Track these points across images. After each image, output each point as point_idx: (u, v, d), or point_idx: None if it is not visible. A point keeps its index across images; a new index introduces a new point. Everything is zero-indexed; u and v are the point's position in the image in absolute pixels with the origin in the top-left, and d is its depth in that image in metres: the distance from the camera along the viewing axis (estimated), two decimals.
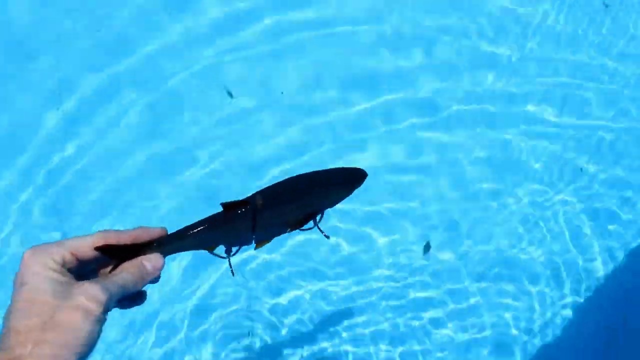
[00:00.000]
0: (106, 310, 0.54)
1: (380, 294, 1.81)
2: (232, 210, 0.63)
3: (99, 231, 0.58)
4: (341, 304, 1.80)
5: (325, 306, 1.79)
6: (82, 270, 0.58)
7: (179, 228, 0.63)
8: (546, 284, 1.86)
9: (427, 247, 1.84)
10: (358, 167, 0.75)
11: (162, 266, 0.60)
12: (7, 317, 0.52)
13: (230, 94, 1.88)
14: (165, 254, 0.61)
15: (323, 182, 0.71)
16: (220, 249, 0.68)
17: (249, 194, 0.65)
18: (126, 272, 0.58)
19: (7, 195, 1.80)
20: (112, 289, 0.55)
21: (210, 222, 0.63)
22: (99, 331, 0.53)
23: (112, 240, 0.58)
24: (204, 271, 1.79)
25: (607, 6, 2.08)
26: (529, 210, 1.91)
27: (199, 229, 0.62)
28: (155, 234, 0.61)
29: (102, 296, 0.53)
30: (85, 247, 0.57)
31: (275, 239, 0.70)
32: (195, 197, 1.83)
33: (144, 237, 0.60)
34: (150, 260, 0.59)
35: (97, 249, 0.57)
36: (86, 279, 0.55)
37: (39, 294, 0.52)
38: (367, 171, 0.75)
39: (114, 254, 0.59)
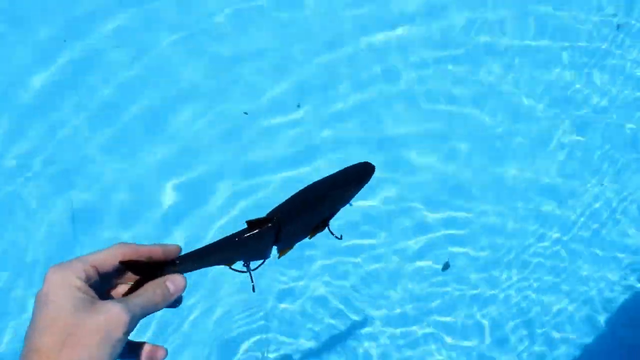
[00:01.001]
0: (128, 332, 0.54)
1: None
2: (256, 227, 0.63)
3: (117, 244, 0.59)
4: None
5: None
6: (103, 284, 0.58)
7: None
8: None
9: (446, 266, 1.84)
10: (365, 161, 0.76)
11: (184, 287, 0.60)
12: (28, 336, 0.53)
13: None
14: (187, 270, 0.61)
15: (335, 185, 0.72)
16: (239, 263, 0.68)
17: (270, 211, 0.66)
18: (149, 292, 0.58)
19: None
20: (134, 310, 0.55)
21: (232, 241, 0.63)
22: (119, 352, 0.53)
23: (131, 252, 0.58)
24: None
25: None
26: None
27: (221, 247, 0.63)
28: (171, 251, 0.61)
29: (124, 317, 0.53)
30: (106, 261, 0.57)
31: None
32: None
33: (159, 252, 0.60)
34: (173, 282, 0.59)
35: (122, 263, 0.57)
36: (106, 294, 0.56)
37: (62, 313, 0.52)
38: None
39: (137, 270, 0.59)
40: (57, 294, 0.53)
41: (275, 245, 0.67)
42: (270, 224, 0.63)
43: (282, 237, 0.66)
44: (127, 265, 0.58)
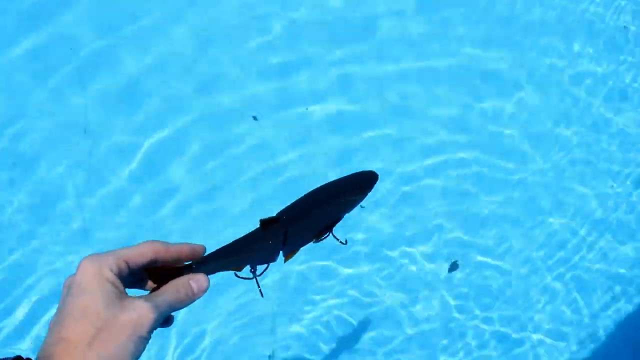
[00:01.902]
0: (152, 329, 0.54)
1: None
2: (268, 226, 0.64)
3: (147, 241, 0.59)
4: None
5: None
6: (131, 278, 0.59)
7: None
8: None
9: (454, 266, 1.83)
10: (370, 170, 0.77)
11: (207, 288, 0.61)
12: (57, 322, 0.52)
13: None
14: (207, 273, 0.62)
15: (340, 191, 0.73)
16: (246, 271, 0.69)
17: (278, 212, 0.67)
18: (173, 291, 0.58)
19: None
20: (161, 307, 0.55)
21: (246, 240, 0.64)
22: (143, 349, 0.53)
23: (161, 250, 0.59)
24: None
25: None
26: None
27: (235, 246, 0.64)
28: (198, 251, 0.62)
29: (151, 315, 0.54)
30: (137, 257, 0.57)
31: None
32: None
33: (187, 251, 0.61)
34: (197, 281, 0.60)
35: (145, 270, 0.58)
36: (133, 288, 0.57)
37: (95, 304, 0.52)
38: None
39: (158, 278, 0.60)
40: (92, 284, 0.53)
41: (282, 247, 0.68)
42: (277, 224, 0.64)
43: (289, 238, 0.67)
44: (149, 274, 0.59)
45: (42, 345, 0.52)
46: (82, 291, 0.53)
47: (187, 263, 0.62)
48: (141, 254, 0.57)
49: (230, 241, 0.64)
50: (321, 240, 0.72)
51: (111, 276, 0.54)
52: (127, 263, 0.56)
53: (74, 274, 0.55)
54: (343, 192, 0.73)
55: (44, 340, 0.52)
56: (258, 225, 0.64)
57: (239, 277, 0.69)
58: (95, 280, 0.53)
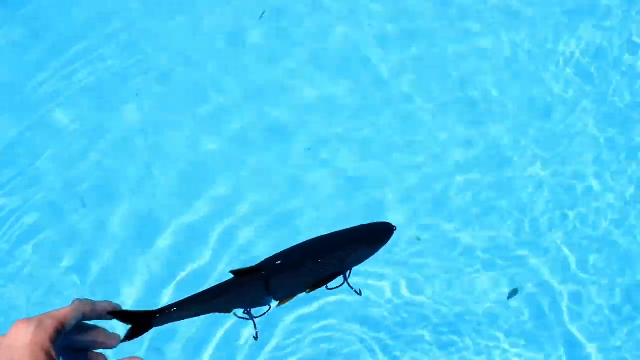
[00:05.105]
0: None
1: None
2: (243, 276, 0.64)
3: (75, 300, 0.58)
4: None
5: None
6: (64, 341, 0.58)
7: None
8: None
9: (514, 292, 1.73)
10: (386, 222, 0.73)
11: (114, 346, 0.61)
12: None
13: None
14: (175, 320, 0.63)
15: (344, 243, 0.70)
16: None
17: (263, 260, 0.66)
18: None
19: None
20: None
21: (217, 290, 0.64)
22: None
23: (89, 308, 0.58)
24: None
25: None
26: None
27: (207, 296, 0.64)
28: (113, 307, 0.61)
29: None
30: (71, 317, 0.56)
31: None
32: None
33: (107, 308, 0.60)
34: (107, 338, 0.60)
35: (110, 313, 0.59)
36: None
37: None
38: None
39: (125, 318, 0.62)
40: (22, 353, 0.51)
41: (268, 296, 0.67)
42: (252, 275, 0.64)
43: (274, 285, 0.66)
44: (115, 315, 0.60)
45: None
46: None
47: (151, 310, 0.63)
48: (73, 313, 0.56)
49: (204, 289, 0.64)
50: (316, 290, 0.69)
51: (47, 345, 0.52)
52: (63, 326, 0.55)
53: (3, 337, 0.53)
54: (350, 244, 0.70)
55: None
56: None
57: (237, 316, 0.71)
58: (28, 350, 0.51)
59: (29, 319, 0.53)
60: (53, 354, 0.52)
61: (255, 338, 0.72)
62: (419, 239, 1.73)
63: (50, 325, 0.53)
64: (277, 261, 0.66)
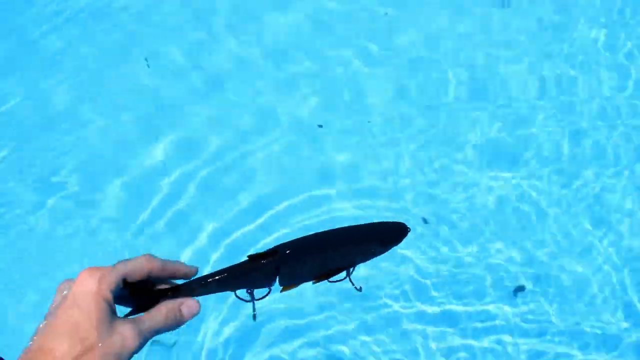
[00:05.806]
0: (135, 353, 0.55)
1: None
2: (257, 260, 0.64)
3: (145, 255, 0.59)
4: None
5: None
6: (123, 292, 0.58)
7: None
8: None
9: (520, 288, 1.74)
10: (400, 221, 0.73)
11: (198, 313, 0.61)
12: (45, 332, 0.53)
13: None
14: (194, 296, 0.62)
15: (357, 238, 0.71)
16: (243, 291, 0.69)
17: (277, 244, 0.66)
18: (162, 317, 0.58)
19: None
20: (146, 333, 0.56)
21: (233, 271, 0.64)
22: None
23: (157, 267, 0.59)
24: None
25: None
26: None
27: (222, 276, 0.63)
28: (192, 272, 0.62)
29: (135, 342, 0.55)
30: (135, 272, 0.57)
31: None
32: None
33: (182, 271, 0.61)
34: (189, 307, 0.60)
35: (126, 285, 0.58)
36: (120, 304, 0.57)
37: (86, 322, 0.53)
38: None
39: (138, 294, 0.60)
40: (88, 300, 0.53)
41: (277, 279, 0.67)
42: (266, 260, 0.64)
43: (284, 272, 0.66)
44: (130, 289, 0.58)
45: (26, 348, 0.52)
46: (77, 306, 0.53)
47: (172, 285, 0.62)
48: (138, 269, 0.57)
49: (220, 268, 0.64)
50: (322, 281, 0.69)
51: (109, 296, 0.54)
52: (124, 280, 0.56)
53: (71, 281, 0.55)
54: (362, 241, 0.70)
55: (29, 342, 0.53)
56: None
57: (238, 297, 0.70)
58: (92, 298, 0.53)
59: (94, 269, 0.55)
60: (112, 302, 0.55)
61: (254, 318, 0.72)
62: (425, 221, 1.73)
63: (113, 278, 0.55)
64: (292, 249, 0.66)
